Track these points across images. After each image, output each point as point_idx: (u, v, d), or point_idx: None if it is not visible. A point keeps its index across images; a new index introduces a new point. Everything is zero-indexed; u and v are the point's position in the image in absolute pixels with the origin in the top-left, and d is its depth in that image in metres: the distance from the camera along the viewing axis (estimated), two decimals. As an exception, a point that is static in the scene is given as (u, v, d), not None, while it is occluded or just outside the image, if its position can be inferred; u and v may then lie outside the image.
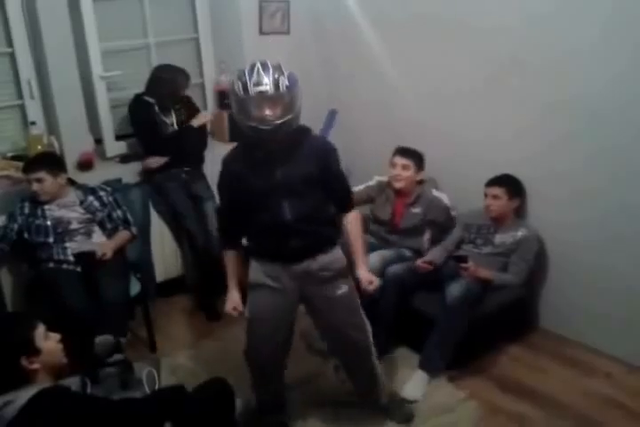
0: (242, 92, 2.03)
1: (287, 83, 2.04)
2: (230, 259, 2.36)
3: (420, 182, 3.29)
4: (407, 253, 3.23)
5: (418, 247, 3.25)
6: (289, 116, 2.07)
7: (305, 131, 2.25)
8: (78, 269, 2.93)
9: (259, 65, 2.05)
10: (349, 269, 2.37)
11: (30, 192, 2.95)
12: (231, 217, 2.33)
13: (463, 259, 2.99)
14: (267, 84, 2.01)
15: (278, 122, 2.05)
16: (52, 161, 3.00)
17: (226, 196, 2.31)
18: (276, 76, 2.04)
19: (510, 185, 3.07)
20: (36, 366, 1.74)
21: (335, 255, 2.32)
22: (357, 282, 2.37)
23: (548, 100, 2.94)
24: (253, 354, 2.41)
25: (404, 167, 3.19)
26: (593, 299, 3.04)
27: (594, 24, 2.70)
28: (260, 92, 2.02)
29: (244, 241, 2.39)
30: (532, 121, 3.04)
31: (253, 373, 2.49)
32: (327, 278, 2.29)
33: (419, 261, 3.04)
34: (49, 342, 1.82)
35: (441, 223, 3.30)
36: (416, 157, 3.22)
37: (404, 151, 3.23)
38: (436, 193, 3.31)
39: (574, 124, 2.88)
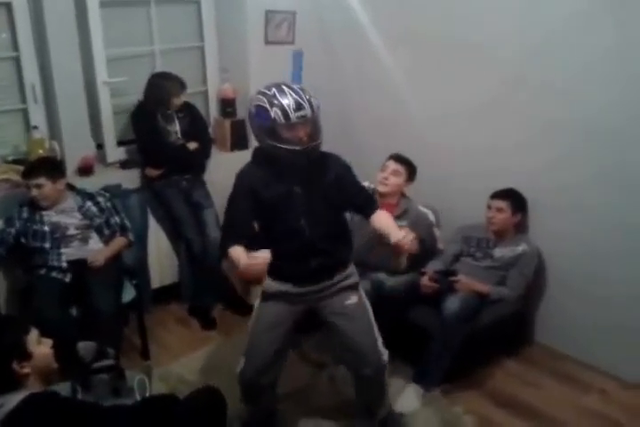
0: (282, 119, 1.99)
1: (319, 105, 2.04)
2: (237, 248, 2.16)
3: (404, 196, 3.22)
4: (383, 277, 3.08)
5: (395, 268, 3.12)
6: (321, 137, 2.08)
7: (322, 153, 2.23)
8: (67, 278, 2.92)
9: (286, 87, 2.03)
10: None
11: (29, 197, 2.95)
12: (242, 232, 2.23)
13: (452, 273, 2.98)
14: (306, 107, 2.00)
15: (313, 144, 2.06)
16: (51, 166, 3.00)
17: (240, 210, 2.21)
18: (308, 97, 2.02)
19: (515, 199, 3.07)
20: (26, 370, 1.73)
21: (348, 271, 2.32)
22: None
23: (550, 118, 2.95)
24: (250, 368, 2.35)
25: (395, 173, 3.11)
26: (590, 315, 3.04)
27: (596, 46, 2.73)
28: (302, 117, 2.01)
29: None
30: (534, 137, 3.05)
31: (246, 391, 2.44)
32: (337, 291, 2.29)
33: (424, 280, 3.02)
34: (41, 347, 1.82)
35: (424, 240, 3.26)
36: (409, 167, 3.16)
37: (398, 157, 3.17)
38: (422, 209, 3.28)
39: (575, 141, 2.90)
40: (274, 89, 2.04)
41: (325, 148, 2.21)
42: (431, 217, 3.30)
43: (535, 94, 3.00)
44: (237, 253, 2.11)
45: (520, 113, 3.08)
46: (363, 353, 2.33)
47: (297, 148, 2.04)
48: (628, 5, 2.61)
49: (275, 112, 2.00)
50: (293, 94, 2.01)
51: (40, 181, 2.89)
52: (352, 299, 2.30)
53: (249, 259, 2.06)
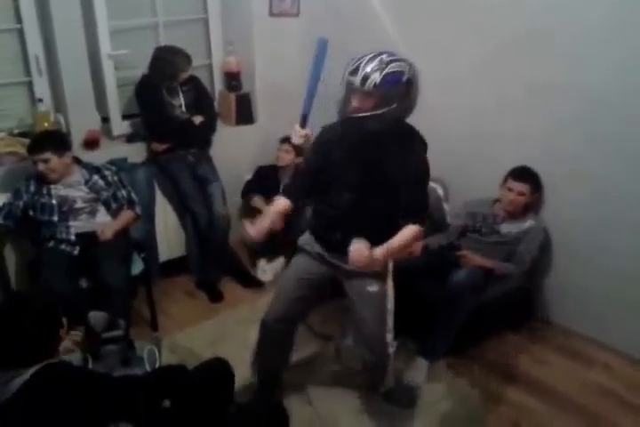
0: (343, 77, 2.00)
1: (377, 81, 1.94)
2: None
3: None
4: None
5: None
6: (377, 112, 1.99)
7: (409, 128, 2.16)
8: (75, 251, 2.92)
9: (370, 55, 1.99)
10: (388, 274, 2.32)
11: (37, 172, 2.94)
12: (304, 181, 2.33)
13: (457, 247, 2.98)
14: (357, 76, 1.96)
15: (362, 115, 2.00)
16: (56, 140, 2.98)
17: (311, 159, 2.29)
18: (369, 70, 1.94)
19: (534, 181, 3.06)
20: (65, 336, 1.82)
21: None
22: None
23: (556, 82, 2.92)
24: (272, 311, 2.40)
25: None
26: (596, 289, 3.04)
27: (600, 11, 2.69)
28: (350, 83, 1.99)
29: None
30: (538, 103, 3.02)
31: (264, 336, 2.47)
32: (358, 274, 2.22)
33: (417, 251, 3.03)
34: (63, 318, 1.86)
35: (432, 215, 3.26)
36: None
37: None
38: (430, 183, 3.26)
39: (580, 108, 2.87)
40: (362, 55, 2.01)
41: (332, 118, 2.19)
42: (439, 191, 3.30)
43: (538, 59, 2.95)
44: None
45: (524, 77, 3.03)
46: (370, 339, 2.38)
47: (354, 115, 2.02)
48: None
49: (342, 76, 2.01)
50: (363, 61, 1.97)
51: (46, 156, 2.88)
52: (374, 287, 2.27)
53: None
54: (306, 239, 2.36)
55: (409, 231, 2.11)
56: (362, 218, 2.14)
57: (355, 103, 2.00)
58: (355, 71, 1.96)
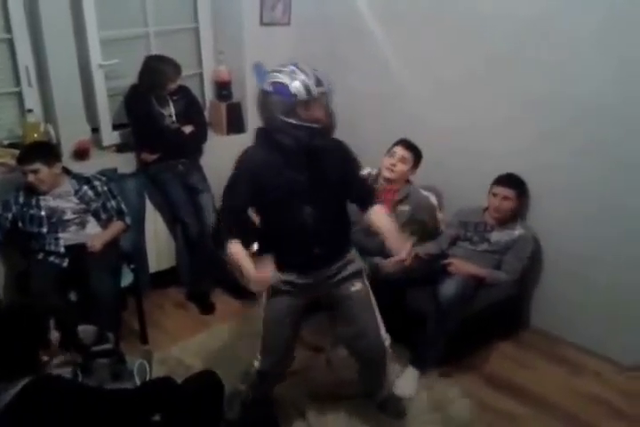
0: (304, 94, 1.96)
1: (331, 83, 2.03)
2: (239, 247, 2.15)
3: (407, 181, 3.24)
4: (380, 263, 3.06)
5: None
6: (335, 116, 2.06)
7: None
8: (65, 263, 2.91)
9: (304, 65, 2.00)
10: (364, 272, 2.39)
11: (26, 183, 2.92)
12: (241, 217, 2.22)
13: (444, 255, 2.99)
14: (325, 84, 1.99)
15: (331, 124, 2.06)
16: (46, 151, 2.98)
17: (240, 195, 2.15)
18: (325, 75, 2.01)
19: (519, 186, 3.08)
20: (45, 358, 1.76)
21: (349, 257, 2.32)
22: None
23: (546, 94, 2.95)
24: (267, 363, 2.37)
25: (402, 160, 3.14)
26: (584, 299, 3.06)
27: (588, 24, 2.74)
28: (323, 93, 1.99)
29: (255, 246, 2.34)
30: (526, 115, 3.05)
31: (261, 382, 2.46)
32: (342, 280, 2.29)
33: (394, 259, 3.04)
34: (55, 333, 1.83)
35: (426, 224, 3.27)
36: (417, 154, 3.18)
37: (408, 144, 3.18)
38: (424, 192, 3.29)
39: (568, 119, 2.91)
40: (291, 66, 2.00)
41: None
42: (433, 200, 3.31)
43: (528, 71, 2.99)
44: (241, 257, 2.09)
45: (514, 90, 3.07)
46: (366, 336, 2.36)
47: (316, 126, 2.02)
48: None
49: (295, 87, 1.97)
50: (312, 71, 1.99)
51: (36, 167, 2.87)
52: (357, 285, 2.32)
53: (255, 271, 2.04)
54: (277, 278, 2.18)
55: (384, 216, 2.29)
56: (327, 225, 2.18)
57: (320, 114, 2.03)
58: (319, 82, 1.99)
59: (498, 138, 3.20)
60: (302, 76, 1.98)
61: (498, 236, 3.09)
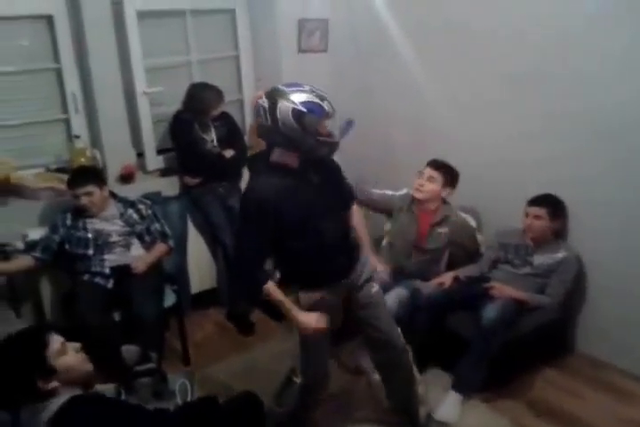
0: (332, 111, 2.03)
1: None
2: (276, 289, 2.18)
3: (445, 202, 3.22)
4: (420, 286, 3.13)
5: (432, 276, 3.19)
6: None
7: None
8: (109, 284, 2.97)
9: (311, 86, 2.05)
10: None
11: (78, 206, 3.00)
12: (265, 253, 2.19)
13: (485, 279, 2.95)
14: (328, 105, 2.03)
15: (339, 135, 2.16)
16: (95, 174, 3.08)
17: (262, 241, 2.11)
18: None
19: (552, 205, 3.02)
20: (53, 384, 1.68)
21: (363, 259, 2.39)
22: None
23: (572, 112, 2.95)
24: (314, 378, 2.40)
25: (430, 179, 3.13)
26: (631, 323, 2.97)
27: (613, 44, 2.73)
28: (328, 114, 2.04)
29: (277, 274, 2.35)
30: (560, 132, 3.04)
31: (310, 398, 2.47)
32: (365, 281, 2.37)
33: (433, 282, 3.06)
34: (66, 358, 1.75)
35: (465, 246, 3.26)
36: (446, 172, 3.16)
37: (435, 163, 3.18)
38: (462, 214, 3.27)
39: (598, 137, 2.89)
40: (306, 86, 2.04)
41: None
42: (472, 222, 3.28)
43: (558, 87, 2.98)
44: (282, 299, 2.17)
45: (547, 105, 3.06)
46: (389, 335, 2.42)
47: (335, 140, 2.10)
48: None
49: (327, 105, 2.02)
50: (314, 90, 2.04)
51: (89, 189, 2.97)
52: (375, 287, 2.41)
53: (307, 318, 2.18)
54: (310, 298, 2.23)
55: (361, 220, 2.49)
56: (342, 233, 2.27)
57: (330, 127, 2.08)
58: (322, 102, 2.02)
59: (532, 153, 3.17)
60: (323, 94, 2.03)
61: (540, 259, 3.04)
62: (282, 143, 2.07)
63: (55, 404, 1.67)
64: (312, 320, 2.19)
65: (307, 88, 2.03)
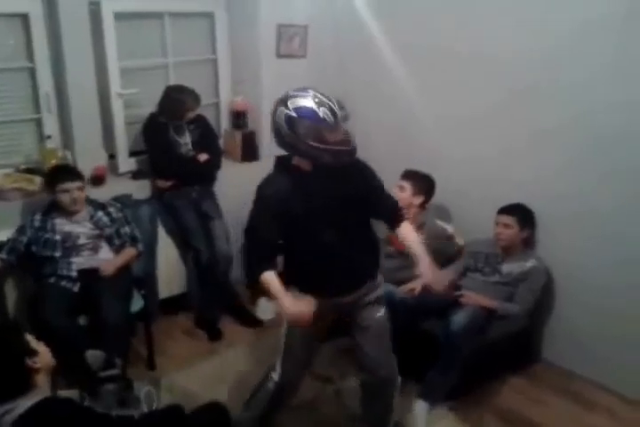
0: (331, 118, 1.99)
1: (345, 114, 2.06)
2: (273, 277, 2.13)
3: (422, 208, 3.26)
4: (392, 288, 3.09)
5: (405, 281, 3.15)
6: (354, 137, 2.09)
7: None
8: (76, 288, 2.93)
9: (315, 91, 2.03)
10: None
11: (62, 202, 2.95)
12: (272, 245, 2.19)
13: (456, 287, 2.98)
14: (340, 113, 2.01)
15: (355, 145, 2.08)
16: (79, 172, 3.07)
17: (272, 227, 2.12)
18: (336, 107, 2.03)
19: (522, 214, 3.07)
20: (38, 365, 1.75)
21: (379, 281, 2.33)
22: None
23: (557, 126, 2.98)
24: (288, 375, 2.37)
25: (400, 188, 3.19)
26: (598, 333, 3.02)
27: (600, 58, 2.77)
28: (345, 116, 2.04)
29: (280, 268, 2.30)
30: (541, 146, 3.07)
31: (276, 397, 2.43)
32: (367, 303, 2.29)
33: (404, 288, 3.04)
34: (40, 346, 1.83)
35: (444, 253, 3.27)
36: (415, 180, 3.21)
37: (406, 173, 3.25)
38: (439, 222, 3.31)
39: (580, 149, 2.92)
40: (310, 91, 2.03)
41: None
42: (450, 230, 3.32)
43: (542, 104, 3.02)
44: (278, 289, 2.08)
45: (530, 123, 3.09)
46: (377, 364, 2.36)
47: (345, 148, 2.05)
48: (633, 18, 2.63)
49: (323, 112, 1.99)
50: (323, 97, 2.02)
51: (79, 184, 2.97)
52: (381, 312, 2.32)
53: (294, 303, 2.04)
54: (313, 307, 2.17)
55: (413, 235, 2.30)
56: (354, 247, 2.16)
57: (342, 136, 2.04)
58: (333, 112, 2.00)
59: (511, 168, 3.21)
60: (325, 100, 2.01)
61: (509, 267, 3.08)
62: (284, 147, 2.09)
63: (22, 407, 1.66)
64: (298, 306, 2.07)
65: (309, 93, 2.02)
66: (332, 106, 2.01)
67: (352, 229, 2.18)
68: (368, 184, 2.23)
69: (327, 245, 2.13)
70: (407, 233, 2.30)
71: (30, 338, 1.82)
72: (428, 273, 2.23)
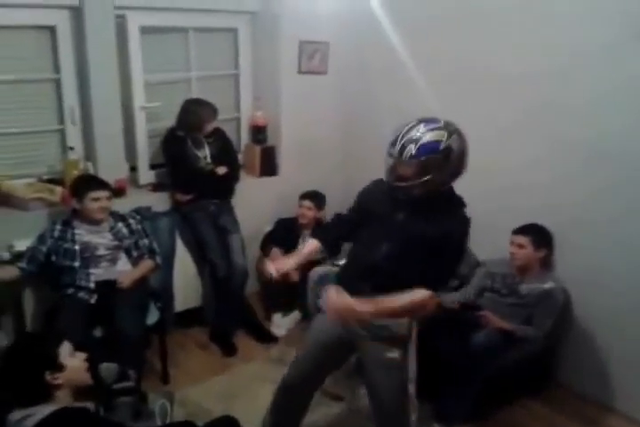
0: (387, 149, 2.02)
1: (413, 152, 1.94)
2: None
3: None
4: None
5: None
6: (417, 181, 1.97)
7: (453, 201, 2.13)
8: (93, 299, 2.93)
9: (409, 126, 2.00)
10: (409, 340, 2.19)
11: (89, 211, 2.97)
12: (341, 225, 2.38)
13: (477, 307, 2.94)
14: (396, 147, 1.98)
15: (405, 184, 2.00)
16: (107, 183, 3.11)
17: (351, 211, 2.35)
18: (406, 141, 1.96)
19: (537, 235, 3.04)
20: (59, 381, 1.77)
21: (400, 320, 2.15)
22: None
23: (591, 149, 2.94)
24: (294, 378, 2.38)
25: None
26: (616, 358, 2.97)
27: (617, 75, 2.76)
28: (390, 155, 2.01)
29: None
30: (564, 168, 3.05)
31: (282, 400, 2.43)
32: (381, 338, 2.15)
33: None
34: (74, 360, 1.85)
35: (459, 271, 3.24)
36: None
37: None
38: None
39: (612, 173, 2.88)
40: (411, 123, 2.02)
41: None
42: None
43: (558, 120, 3.02)
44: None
45: (551, 141, 3.08)
46: (387, 412, 2.24)
47: (393, 184, 2.05)
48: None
49: (392, 148, 2.00)
50: (402, 132, 1.99)
51: (108, 194, 3.02)
52: (394, 352, 2.14)
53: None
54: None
55: (418, 295, 1.99)
56: (394, 273, 2.05)
57: (398, 172, 2.01)
58: (394, 142, 1.99)
59: (531, 192, 3.19)
60: (403, 135, 2.00)
61: (527, 289, 3.04)
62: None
63: (41, 413, 1.68)
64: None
65: (405, 126, 2.00)
66: (399, 136, 1.99)
67: (403, 257, 2.06)
68: (437, 243, 2.01)
69: (371, 252, 2.12)
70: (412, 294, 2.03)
71: (67, 350, 1.85)
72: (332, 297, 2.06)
